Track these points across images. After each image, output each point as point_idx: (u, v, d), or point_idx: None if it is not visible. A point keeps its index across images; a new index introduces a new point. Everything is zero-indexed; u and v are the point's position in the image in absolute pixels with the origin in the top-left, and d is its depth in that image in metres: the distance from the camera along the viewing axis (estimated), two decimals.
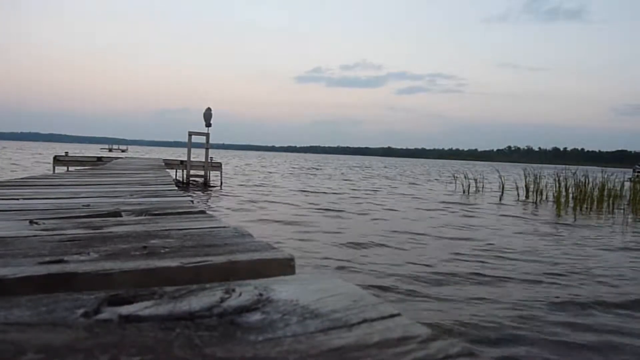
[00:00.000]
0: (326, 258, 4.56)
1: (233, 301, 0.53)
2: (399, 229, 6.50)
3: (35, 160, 24.13)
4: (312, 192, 12.64)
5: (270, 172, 22.94)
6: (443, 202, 11.10)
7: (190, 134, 12.97)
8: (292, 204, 9.35)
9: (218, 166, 13.82)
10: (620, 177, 12.39)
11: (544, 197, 11.82)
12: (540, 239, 6.19)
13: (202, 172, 13.30)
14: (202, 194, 10.65)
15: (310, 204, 9.51)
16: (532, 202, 11.39)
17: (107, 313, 0.49)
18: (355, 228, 6.61)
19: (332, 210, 8.56)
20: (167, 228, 1.11)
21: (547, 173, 13.73)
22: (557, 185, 10.53)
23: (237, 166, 29.27)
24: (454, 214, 8.74)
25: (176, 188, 2.73)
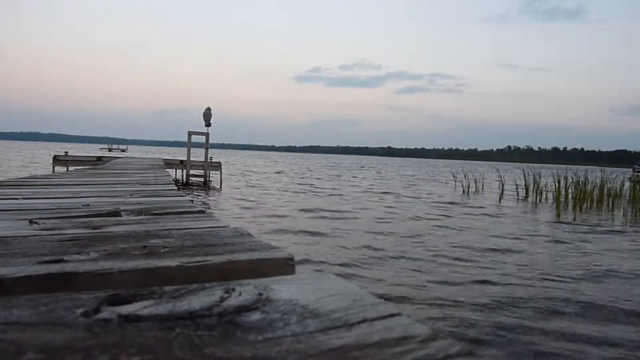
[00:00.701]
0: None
1: (233, 301, 0.53)
2: (418, 241, 5.93)
3: (29, 161, 23.28)
4: (315, 194, 12.31)
5: (266, 172, 22.62)
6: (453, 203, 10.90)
7: (190, 133, 12.97)
8: (294, 207, 9.03)
9: (218, 166, 13.83)
10: (620, 177, 12.41)
11: (543, 197, 11.83)
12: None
13: (201, 172, 13.31)
14: (200, 197, 10.47)
15: (313, 210, 8.78)
16: (532, 202, 11.40)
17: (107, 313, 0.49)
18: (377, 239, 5.92)
19: (344, 218, 7.77)
20: (167, 228, 1.11)
21: (547, 173, 13.73)
22: (557, 185, 10.54)
23: (233, 164, 29.01)
24: (482, 220, 8.08)
25: (176, 188, 2.73)
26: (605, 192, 10.98)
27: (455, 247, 5.50)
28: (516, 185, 13.45)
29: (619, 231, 7.30)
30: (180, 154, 18.64)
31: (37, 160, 24.27)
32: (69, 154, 13.55)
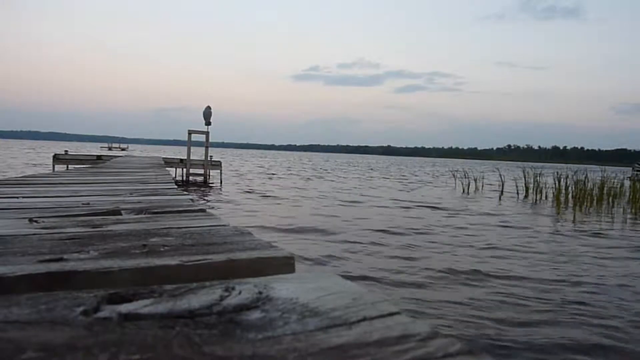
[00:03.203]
0: None
1: (233, 299, 0.53)
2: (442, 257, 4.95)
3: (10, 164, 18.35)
4: (323, 199, 10.62)
5: (268, 174, 21.38)
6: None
7: (190, 132, 12.96)
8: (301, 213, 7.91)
9: (217, 165, 13.83)
10: (619, 175, 12.43)
11: (543, 196, 11.85)
12: None
13: (201, 171, 13.31)
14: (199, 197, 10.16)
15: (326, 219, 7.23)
16: (533, 202, 11.40)
17: (107, 311, 0.49)
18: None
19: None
20: (167, 226, 1.11)
21: (547, 172, 13.72)
22: (557, 184, 10.55)
23: (231, 162, 27.57)
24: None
25: (176, 187, 2.73)
26: (605, 191, 10.98)
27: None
28: (516, 184, 13.46)
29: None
30: (180, 153, 18.46)
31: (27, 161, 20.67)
32: (69, 152, 13.55)
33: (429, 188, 15.55)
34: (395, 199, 10.92)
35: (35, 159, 23.56)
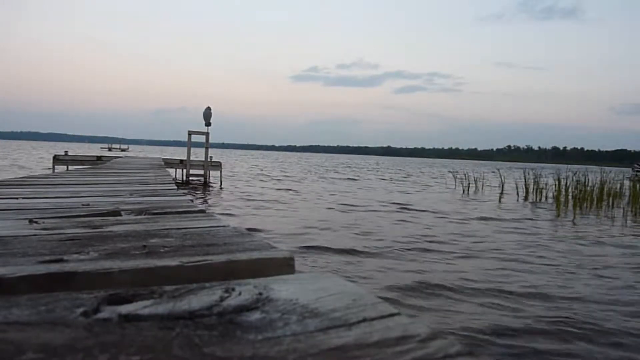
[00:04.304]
0: None
1: (233, 300, 0.53)
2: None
3: None
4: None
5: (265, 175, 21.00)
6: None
7: (190, 133, 12.97)
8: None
9: (218, 165, 13.83)
10: (619, 176, 12.43)
11: (543, 196, 11.85)
12: None
13: (201, 172, 13.31)
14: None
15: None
16: (532, 202, 11.40)
17: (107, 312, 0.49)
18: None
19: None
20: (167, 227, 1.11)
21: (547, 173, 13.70)
22: (557, 185, 10.55)
23: (231, 162, 27.86)
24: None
25: (176, 187, 2.73)
26: (605, 191, 10.98)
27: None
28: (516, 185, 13.46)
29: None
30: (181, 154, 18.42)
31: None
32: (69, 153, 13.56)
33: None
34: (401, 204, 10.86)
35: (24, 163, 20.66)
